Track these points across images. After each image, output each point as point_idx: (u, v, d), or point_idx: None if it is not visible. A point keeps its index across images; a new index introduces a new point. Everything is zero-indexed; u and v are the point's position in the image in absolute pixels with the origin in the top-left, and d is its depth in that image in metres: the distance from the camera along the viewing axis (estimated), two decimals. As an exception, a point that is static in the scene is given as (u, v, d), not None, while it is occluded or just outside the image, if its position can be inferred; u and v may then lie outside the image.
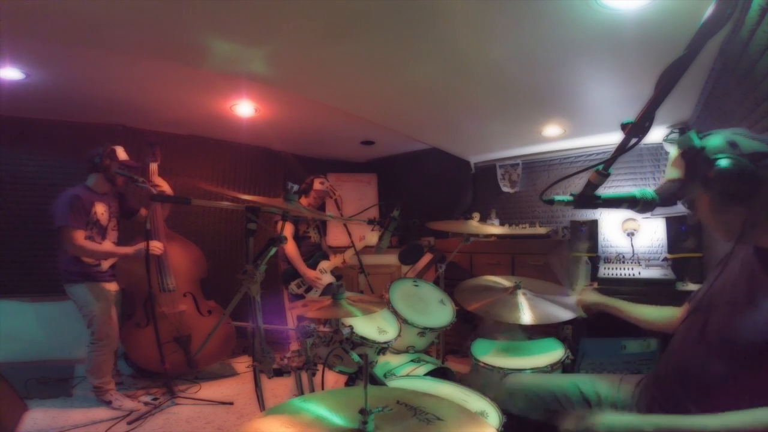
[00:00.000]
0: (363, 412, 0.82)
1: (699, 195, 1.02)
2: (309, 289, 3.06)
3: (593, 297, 1.60)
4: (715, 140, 0.96)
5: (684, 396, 1.04)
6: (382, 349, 1.78)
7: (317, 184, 3.11)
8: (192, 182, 3.78)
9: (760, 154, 0.91)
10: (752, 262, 1.00)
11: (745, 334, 0.92)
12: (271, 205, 1.57)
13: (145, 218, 2.89)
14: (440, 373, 1.93)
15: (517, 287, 2.01)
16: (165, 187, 2.87)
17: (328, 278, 3.10)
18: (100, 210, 2.62)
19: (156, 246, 2.76)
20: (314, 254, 3.14)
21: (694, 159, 0.97)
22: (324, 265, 3.11)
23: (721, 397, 0.94)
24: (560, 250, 2.95)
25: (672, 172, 1.05)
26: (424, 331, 2.00)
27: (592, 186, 0.95)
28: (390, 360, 2.00)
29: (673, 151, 1.05)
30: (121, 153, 2.65)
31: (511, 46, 1.91)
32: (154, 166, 2.88)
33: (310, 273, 3.02)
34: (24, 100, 2.81)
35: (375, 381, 1.61)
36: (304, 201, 3.11)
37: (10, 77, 2.41)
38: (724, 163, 0.90)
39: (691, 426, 0.85)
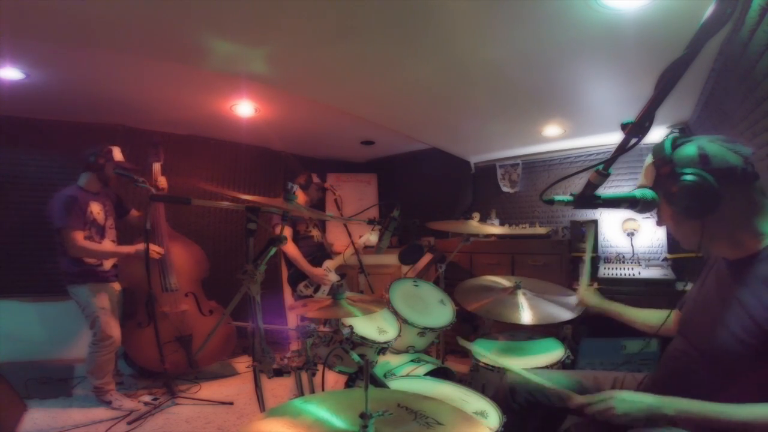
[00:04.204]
0: (363, 416, 0.82)
1: (662, 205, 1.04)
2: (317, 289, 3.05)
3: (594, 300, 1.62)
4: (689, 150, 0.97)
5: None
6: (382, 349, 1.78)
7: (315, 178, 3.14)
8: (192, 182, 3.79)
9: (729, 169, 0.92)
10: (724, 272, 1.03)
11: (723, 343, 0.94)
12: (271, 205, 1.58)
13: (139, 219, 2.90)
14: (440, 373, 1.93)
15: (517, 287, 2.01)
16: (164, 186, 2.88)
17: (332, 277, 3.10)
18: (96, 209, 2.61)
19: (154, 250, 2.76)
20: (317, 254, 3.13)
21: (662, 170, 0.98)
22: (328, 263, 3.11)
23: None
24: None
25: (643, 179, 1.08)
26: (424, 331, 1.99)
27: (592, 186, 0.95)
28: (390, 360, 2.00)
29: (648, 157, 1.06)
30: (118, 154, 2.65)
31: (511, 46, 1.91)
32: (157, 166, 2.89)
33: (316, 271, 3.00)
34: (24, 100, 2.81)
35: (375, 382, 1.61)
36: (303, 197, 3.10)
37: (10, 77, 2.40)
38: (686, 180, 0.91)
39: (714, 413, 0.87)
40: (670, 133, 2.91)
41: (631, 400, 0.96)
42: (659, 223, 1.10)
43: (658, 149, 1.01)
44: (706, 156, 0.94)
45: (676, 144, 1.00)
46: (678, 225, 1.04)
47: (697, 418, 0.88)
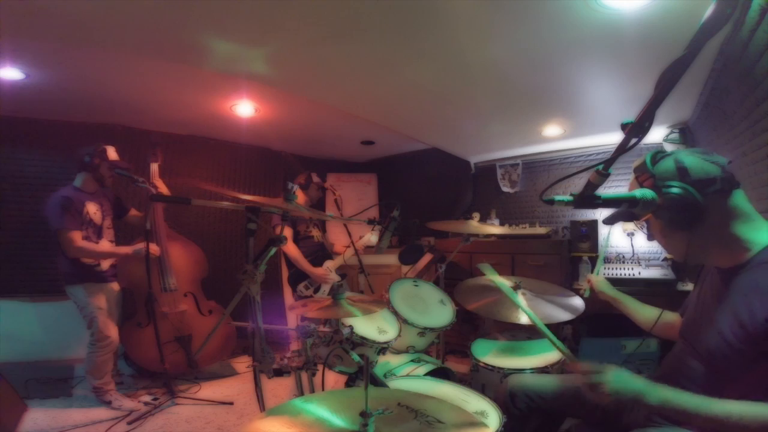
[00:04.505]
0: (364, 414, 0.82)
1: (650, 218, 1.07)
2: (318, 289, 3.05)
3: (603, 285, 1.62)
4: (668, 164, 1.00)
5: None
6: (382, 349, 1.78)
7: (315, 177, 3.15)
8: (192, 182, 3.78)
9: (709, 180, 0.95)
10: (716, 279, 1.05)
11: (717, 347, 0.96)
12: (271, 205, 1.58)
13: (138, 219, 2.89)
14: (440, 374, 1.93)
15: (517, 287, 2.01)
16: (163, 188, 2.88)
17: (334, 277, 3.10)
18: (93, 209, 2.60)
19: (151, 249, 2.75)
20: (317, 254, 3.13)
21: (645, 185, 1.01)
22: (329, 264, 3.11)
23: None
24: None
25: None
26: (424, 331, 1.99)
27: (592, 186, 0.95)
28: (390, 360, 2.00)
29: (632, 175, 1.10)
30: (112, 153, 2.63)
31: (511, 46, 1.91)
32: (155, 167, 2.88)
33: (317, 270, 3.01)
34: (24, 100, 2.81)
35: (375, 382, 1.61)
36: (303, 197, 3.10)
37: (10, 77, 2.40)
38: (670, 193, 0.94)
39: (696, 407, 0.87)
40: (677, 129, 2.91)
41: (624, 380, 0.96)
42: (650, 238, 1.12)
43: (639, 167, 1.05)
44: (685, 169, 0.96)
45: (655, 159, 1.03)
46: (666, 238, 1.07)
47: (678, 410, 0.89)
